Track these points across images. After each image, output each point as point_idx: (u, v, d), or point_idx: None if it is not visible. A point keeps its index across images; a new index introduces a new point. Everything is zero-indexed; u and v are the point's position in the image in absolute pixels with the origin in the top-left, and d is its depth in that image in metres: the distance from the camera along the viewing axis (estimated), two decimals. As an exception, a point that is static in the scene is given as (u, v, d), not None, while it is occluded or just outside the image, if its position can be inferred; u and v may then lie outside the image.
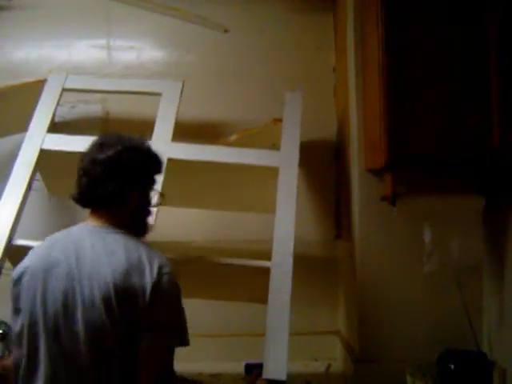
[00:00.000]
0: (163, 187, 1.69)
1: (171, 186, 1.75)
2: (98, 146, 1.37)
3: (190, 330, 1.31)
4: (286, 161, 1.77)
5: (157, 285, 1.26)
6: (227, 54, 2.53)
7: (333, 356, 2.42)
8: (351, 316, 2.19)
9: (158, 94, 2.04)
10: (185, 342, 1.30)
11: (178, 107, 2.01)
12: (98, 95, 2.46)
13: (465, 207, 1.85)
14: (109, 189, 1.32)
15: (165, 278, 1.28)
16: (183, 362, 1.39)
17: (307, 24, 2.54)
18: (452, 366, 1.84)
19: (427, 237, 1.87)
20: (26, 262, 1.35)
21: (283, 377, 1.50)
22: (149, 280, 1.25)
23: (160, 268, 1.28)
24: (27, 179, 1.86)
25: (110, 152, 1.34)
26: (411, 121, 1.73)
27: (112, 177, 1.33)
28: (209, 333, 2.34)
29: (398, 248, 2.02)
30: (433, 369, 1.89)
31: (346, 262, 2.28)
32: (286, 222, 1.68)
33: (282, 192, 1.71)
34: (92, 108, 2.50)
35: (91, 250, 1.29)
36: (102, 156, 1.34)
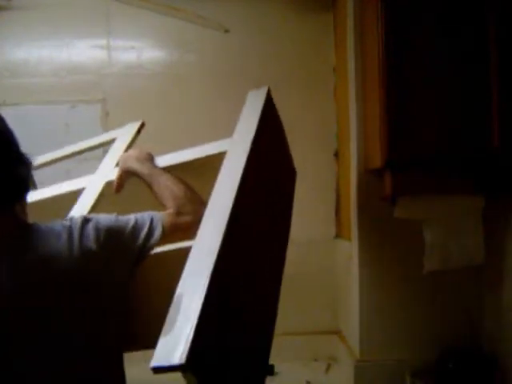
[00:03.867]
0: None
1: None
2: None
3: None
4: (235, 145, 1.50)
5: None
6: (227, 53, 2.53)
7: (333, 356, 2.42)
8: (351, 316, 2.19)
9: (112, 141, 1.89)
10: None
11: (131, 143, 1.84)
12: (98, 95, 2.46)
13: (465, 207, 1.85)
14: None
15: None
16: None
17: (307, 24, 2.54)
18: (452, 366, 1.84)
19: (427, 237, 1.86)
20: None
21: (175, 360, 0.82)
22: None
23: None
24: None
25: None
26: (411, 121, 1.72)
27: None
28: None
29: (397, 248, 2.02)
30: (433, 369, 1.90)
31: (345, 261, 2.28)
32: (220, 206, 1.17)
33: (223, 176, 1.36)
34: (92, 108, 2.50)
35: None
36: None
